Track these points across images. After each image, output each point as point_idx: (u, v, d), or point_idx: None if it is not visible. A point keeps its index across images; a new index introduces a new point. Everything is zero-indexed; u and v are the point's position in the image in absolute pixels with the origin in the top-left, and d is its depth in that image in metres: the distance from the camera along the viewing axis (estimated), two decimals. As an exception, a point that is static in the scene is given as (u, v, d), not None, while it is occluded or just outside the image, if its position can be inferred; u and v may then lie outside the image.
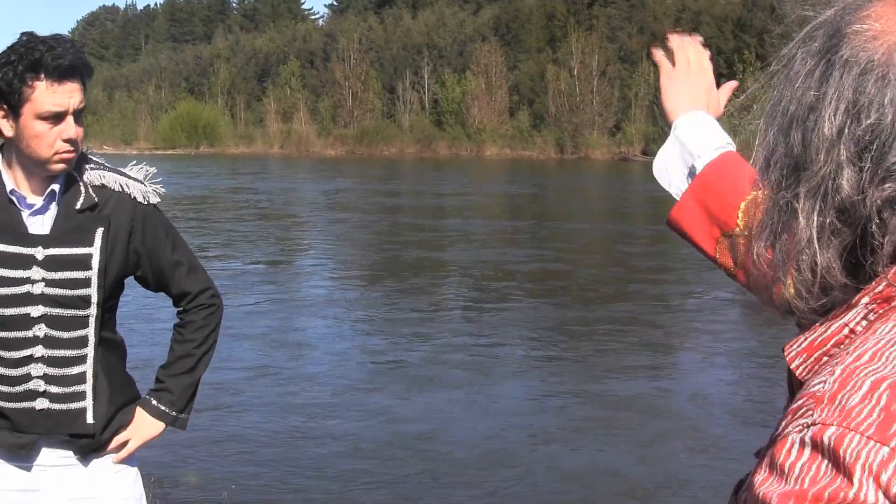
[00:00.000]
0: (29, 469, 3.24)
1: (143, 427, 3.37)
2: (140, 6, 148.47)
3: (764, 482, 1.00)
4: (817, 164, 1.09)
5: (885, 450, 0.93)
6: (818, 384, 1.02)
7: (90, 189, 3.19)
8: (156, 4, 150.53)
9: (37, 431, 3.20)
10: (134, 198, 3.25)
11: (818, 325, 1.12)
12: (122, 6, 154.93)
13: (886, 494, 0.92)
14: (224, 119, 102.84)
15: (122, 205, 3.23)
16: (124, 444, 3.35)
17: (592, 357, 12.56)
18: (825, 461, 0.95)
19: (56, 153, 3.05)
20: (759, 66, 54.68)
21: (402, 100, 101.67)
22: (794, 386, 1.14)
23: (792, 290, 1.13)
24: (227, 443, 9.04)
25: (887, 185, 1.06)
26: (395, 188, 46.90)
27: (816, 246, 1.09)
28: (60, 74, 2.99)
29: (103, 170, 3.25)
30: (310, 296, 17.25)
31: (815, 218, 1.09)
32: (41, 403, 3.16)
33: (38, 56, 2.97)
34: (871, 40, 1.11)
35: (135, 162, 3.38)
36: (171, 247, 3.35)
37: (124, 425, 3.34)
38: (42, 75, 2.98)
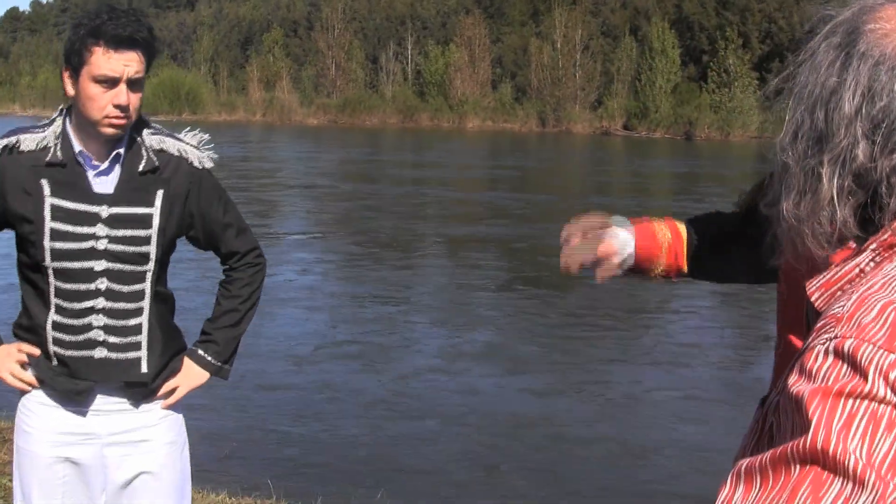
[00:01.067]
0: (84, 414, 3.44)
1: (191, 375, 3.58)
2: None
3: (795, 383, 1.21)
4: (838, 137, 1.32)
5: (893, 356, 1.16)
6: (838, 308, 1.25)
7: (151, 153, 3.36)
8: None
9: (94, 379, 3.39)
10: (191, 162, 3.43)
11: (833, 266, 1.35)
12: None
13: (893, 389, 1.15)
14: (207, 86, 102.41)
15: (180, 168, 3.40)
16: (173, 390, 3.54)
17: (674, 336, 12.89)
18: (845, 365, 1.17)
19: (106, 116, 3.20)
20: (741, 44, 54.84)
21: (384, 70, 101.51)
22: (811, 317, 1.38)
23: (812, 240, 1.36)
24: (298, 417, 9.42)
25: (895, 156, 1.31)
26: (406, 158, 47.02)
27: (836, 204, 1.33)
28: (117, 42, 3.15)
29: (162, 135, 3.42)
30: (369, 270, 17.51)
31: (836, 181, 1.32)
32: (100, 352, 3.36)
33: (99, 23, 3.14)
34: (883, 37, 1.34)
35: (189, 128, 3.56)
36: (223, 209, 3.55)
37: (174, 373, 3.54)
38: (101, 41, 3.14)
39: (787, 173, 1.39)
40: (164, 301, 3.48)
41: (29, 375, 3.43)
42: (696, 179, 39.09)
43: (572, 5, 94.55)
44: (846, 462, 1.13)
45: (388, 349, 12.03)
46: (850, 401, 1.15)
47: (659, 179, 40.95)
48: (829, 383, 1.17)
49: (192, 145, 3.46)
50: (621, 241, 2.69)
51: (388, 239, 21.31)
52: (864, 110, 1.32)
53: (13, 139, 3.33)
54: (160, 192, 3.35)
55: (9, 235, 3.56)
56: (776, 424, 1.27)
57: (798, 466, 1.16)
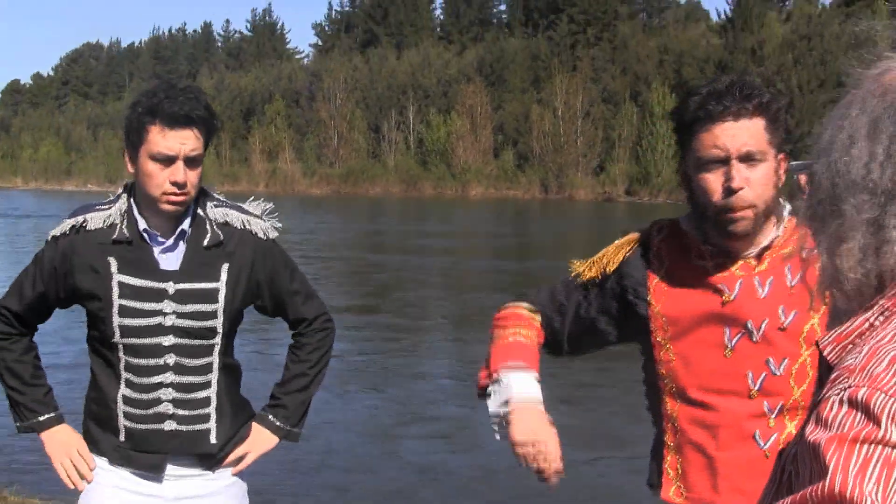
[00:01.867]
0: (154, 479, 3.46)
1: (260, 441, 3.60)
2: (124, 43, 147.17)
3: (812, 432, 1.26)
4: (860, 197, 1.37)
5: None
6: (850, 360, 1.30)
7: (215, 226, 3.40)
8: (140, 42, 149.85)
9: (164, 451, 3.42)
10: (255, 234, 3.47)
11: (844, 321, 1.40)
12: (106, 43, 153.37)
13: None
14: (209, 157, 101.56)
15: (244, 241, 3.44)
16: (242, 457, 3.57)
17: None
18: (859, 413, 1.23)
19: (164, 194, 3.25)
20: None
21: (387, 140, 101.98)
22: (822, 370, 1.42)
23: (850, 286, 1.40)
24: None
25: None
26: (425, 228, 46.85)
27: (865, 259, 1.38)
28: (173, 121, 3.20)
29: (226, 207, 3.47)
30: (423, 344, 17.40)
31: (860, 237, 1.38)
32: (169, 425, 3.39)
33: (156, 102, 3.21)
34: None
35: (252, 198, 3.63)
36: (290, 277, 3.58)
37: (243, 441, 3.57)
38: (157, 120, 3.20)
39: (837, 220, 1.42)
40: (231, 372, 3.53)
41: (85, 470, 3.46)
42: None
43: (573, 72, 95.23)
44: None
45: (471, 426, 11.73)
46: (865, 447, 1.21)
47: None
48: (845, 430, 1.23)
49: (255, 215, 3.51)
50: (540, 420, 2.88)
51: (431, 311, 21.10)
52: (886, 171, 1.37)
53: (80, 219, 3.38)
54: (225, 266, 3.40)
55: (64, 314, 3.64)
56: (794, 473, 1.32)
57: None
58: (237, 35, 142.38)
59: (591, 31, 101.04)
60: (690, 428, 2.86)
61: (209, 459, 3.50)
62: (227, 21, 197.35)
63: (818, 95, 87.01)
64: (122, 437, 3.42)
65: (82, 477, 3.45)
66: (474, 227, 48.44)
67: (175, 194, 3.25)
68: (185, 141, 3.22)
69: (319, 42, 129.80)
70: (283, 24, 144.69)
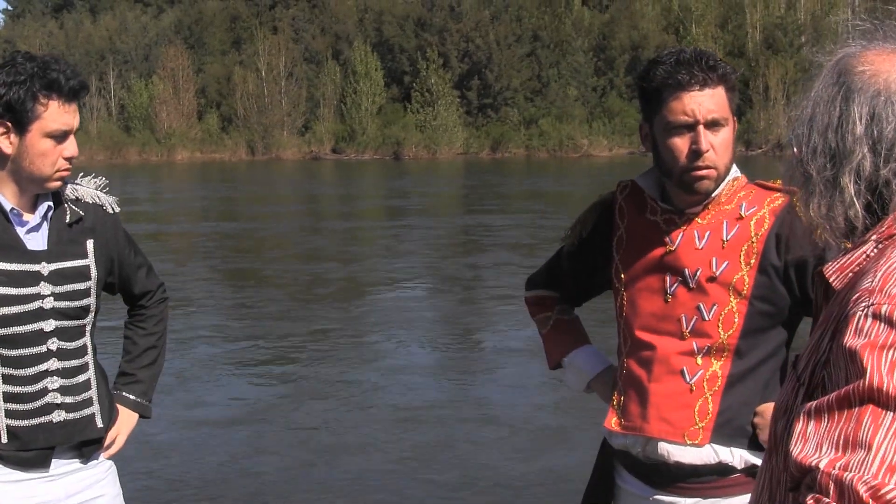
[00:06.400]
0: (41, 481, 3.28)
1: (126, 420, 3.53)
2: None
3: (845, 342, 1.56)
4: (853, 153, 1.70)
5: None
6: (867, 283, 1.60)
7: (71, 204, 3.28)
8: None
9: (52, 444, 3.25)
10: (104, 209, 3.40)
11: (843, 254, 1.74)
12: None
13: None
14: None
15: (98, 216, 3.36)
16: (113, 441, 3.49)
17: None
18: (883, 324, 1.52)
19: (57, 170, 3.12)
20: (442, 63, 57.98)
21: (88, 106, 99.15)
22: (819, 297, 1.84)
23: (830, 233, 1.76)
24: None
25: (892, 164, 1.68)
26: (236, 193, 45.08)
27: (855, 203, 1.70)
28: (72, 95, 3.09)
29: (72, 183, 3.34)
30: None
31: (852, 186, 1.70)
32: (58, 415, 3.24)
33: (54, 76, 3.04)
34: (873, 76, 1.72)
35: (82, 174, 3.45)
36: (133, 251, 3.52)
37: (114, 422, 3.47)
38: (54, 95, 3.04)
39: (808, 182, 1.76)
40: (96, 351, 3.41)
41: None
42: (406, 197, 40.01)
43: (274, 32, 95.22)
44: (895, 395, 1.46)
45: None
46: (892, 351, 1.49)
47: (370, 200, 40.81)
48: (873, 338, 1.51)
49: (98, 191, 3.44)
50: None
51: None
52: (869, 131, 1.69)
53: None
54: (90, 242, 3.31)
55: None
56: (828, 376, 1.61)
57: (858, 402, 1.48)
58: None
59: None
60: (632, 364, 3.11)
61: (91, 447, 3.38)
62: None
63: (515, 49, 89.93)
64: (4, 440, 3.19)
65: None
66: (180, 192, 47.87)
67: (67, 169, 3.16)
68: (75, 115, 3.14)
69: (10, 7, 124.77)
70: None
